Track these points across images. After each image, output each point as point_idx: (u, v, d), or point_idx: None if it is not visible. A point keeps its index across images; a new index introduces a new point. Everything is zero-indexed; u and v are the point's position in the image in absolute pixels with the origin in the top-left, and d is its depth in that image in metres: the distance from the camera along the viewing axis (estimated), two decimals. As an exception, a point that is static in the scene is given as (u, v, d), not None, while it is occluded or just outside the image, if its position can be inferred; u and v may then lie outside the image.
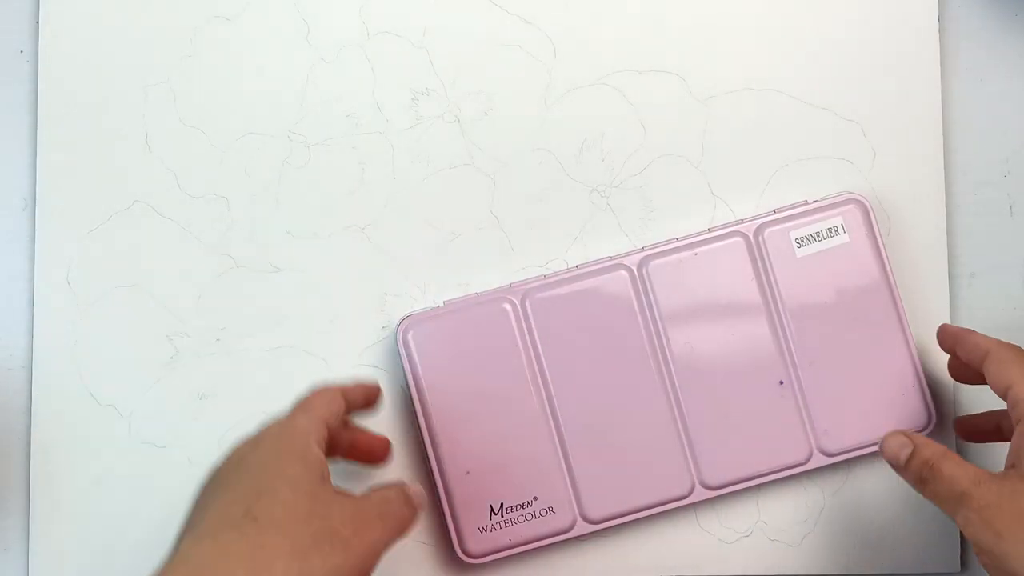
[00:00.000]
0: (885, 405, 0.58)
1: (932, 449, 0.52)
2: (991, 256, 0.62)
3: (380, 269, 0.60)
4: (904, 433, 0.53)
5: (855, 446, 0.58)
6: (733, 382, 0.58)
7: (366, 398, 0.56)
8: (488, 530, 0.57)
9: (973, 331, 0.55)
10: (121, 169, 0.60)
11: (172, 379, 0.59)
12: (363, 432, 0.56)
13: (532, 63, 0.61)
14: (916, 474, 0.52)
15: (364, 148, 0.61)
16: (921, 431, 0.58)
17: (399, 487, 0.50)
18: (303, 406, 0.51)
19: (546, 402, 0.58)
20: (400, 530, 0.49)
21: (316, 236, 0.60)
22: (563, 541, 0.58)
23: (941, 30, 0.62)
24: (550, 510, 0.57)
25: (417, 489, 0.51)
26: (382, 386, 0.59)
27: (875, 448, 0.58)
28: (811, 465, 0.58)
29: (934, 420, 0.59)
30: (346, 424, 0.55)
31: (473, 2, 0.61)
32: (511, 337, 0.58)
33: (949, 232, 0.61)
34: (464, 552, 0.57)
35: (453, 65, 0.61)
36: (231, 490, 0.46)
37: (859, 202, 0.59)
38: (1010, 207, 0.62)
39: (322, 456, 0.48)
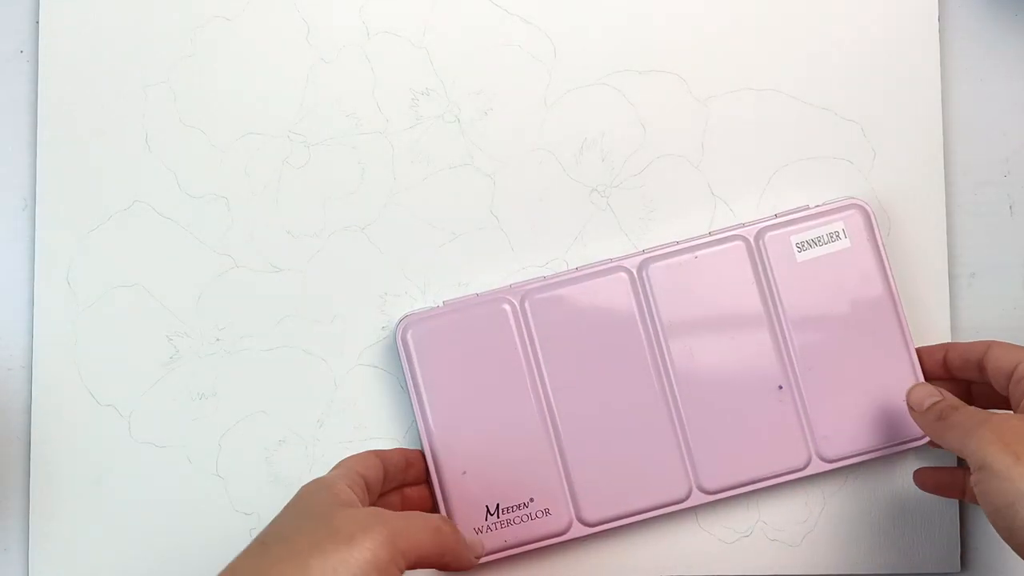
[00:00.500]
0: (885, 411, 0.58)
1: (957, 400, 0.53)
2: (991, 256, 0.62)
3: (380, 269, 0.60)
4: (935, 387, 0.55)
5: (854, 452, 0.58)
6: (732, 386, 0.58)
7: (407, 460, 0.56)
8: (484, 531, 0.57)
9: None
10: (121, 169, 0.60)
11: (172, 379, 0.60)
12: (408, 487, 0.57)
13: (532, 63, 0.61)
14: (936, 413, 0.53)
15: (364, 148, 0.61)
16: (921, 437, 0.58)
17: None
18: (335, 465, 0.53)
19: (544, 403, 0.58)
20: (429, 531, 0.47)
21: (316, 236, 0.60)
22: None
23: (941, 30, 0.62)
24: (546, 512, 0.57)
25: (477, 539, 0.55)
26: (381, 385, 0.59)
27: (874, 455, 0.58)
28: (810, 471, 0.58)
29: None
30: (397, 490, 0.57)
31: (473, 2, 0.61)
32: (510, 338, 0.58)
33: (949, 232, 0.61)
34: (461, 552, 0.57)
35: (453, 65, 0.61)
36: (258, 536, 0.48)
37: (860, 207, 0.59)
38: (1010, 207, 0.62)
39: (349, 492, 0.48)
